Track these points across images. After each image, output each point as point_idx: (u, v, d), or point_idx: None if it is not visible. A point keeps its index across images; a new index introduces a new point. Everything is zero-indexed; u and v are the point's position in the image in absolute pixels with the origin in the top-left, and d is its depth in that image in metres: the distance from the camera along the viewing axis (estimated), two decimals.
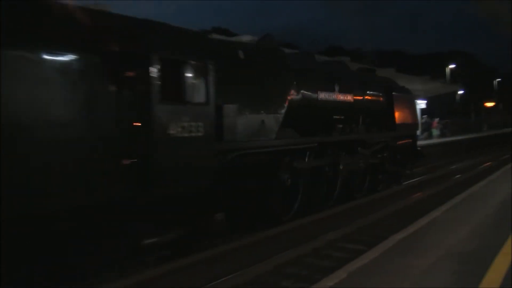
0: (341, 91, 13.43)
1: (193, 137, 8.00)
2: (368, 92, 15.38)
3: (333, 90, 13.11)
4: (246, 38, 19.01)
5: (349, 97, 13.90)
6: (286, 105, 11.02)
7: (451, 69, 55.52)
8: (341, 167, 12.87)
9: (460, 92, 58.86)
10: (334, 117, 13.37)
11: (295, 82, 11.51)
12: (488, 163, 24.33)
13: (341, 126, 13.49)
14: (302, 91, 11.75)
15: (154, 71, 7.35)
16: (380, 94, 16.20)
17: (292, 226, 10.49)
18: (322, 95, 12.60)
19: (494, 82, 71.39)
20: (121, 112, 7.13)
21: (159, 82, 7.42)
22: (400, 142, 16.86)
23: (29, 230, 6.16)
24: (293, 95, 11.40)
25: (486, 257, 6.15)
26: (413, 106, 19.55)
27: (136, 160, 7.24)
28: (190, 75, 8.17)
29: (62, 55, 6.48)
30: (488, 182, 13.43)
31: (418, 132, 23.61)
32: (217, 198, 9.20)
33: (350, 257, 7.50)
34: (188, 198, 8.34)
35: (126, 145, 7.17)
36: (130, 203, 7.14)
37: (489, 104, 57.29)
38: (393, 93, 16.63)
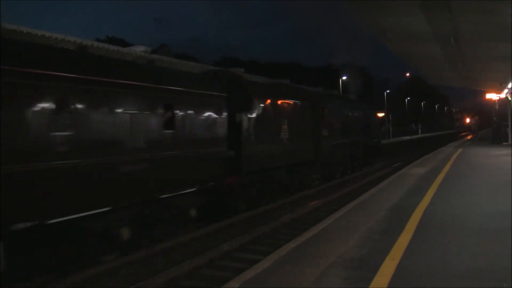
0: (353, 112, 25.51)
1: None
2: (361, 112, 26.88)
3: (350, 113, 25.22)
4: (139, 49, 18.54)
5: (355, 116, 25.80)
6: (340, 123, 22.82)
7: (343, 80, 58.12)
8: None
9: None
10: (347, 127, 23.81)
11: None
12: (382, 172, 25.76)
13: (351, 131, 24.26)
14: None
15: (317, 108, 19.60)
16: (364, 112, 27.50)
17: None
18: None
19: (385, 93, 75.91)
20: None
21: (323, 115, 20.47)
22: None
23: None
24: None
25: (375, 262, 6.35)
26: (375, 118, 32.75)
27: None
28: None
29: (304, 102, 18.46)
30: (376, 190, 14.04)
31: None
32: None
33: None
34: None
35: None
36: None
37: (380, 115, 61.00)
38: (368, 111, 28.91)
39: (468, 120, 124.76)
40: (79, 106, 8.37)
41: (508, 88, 30.21)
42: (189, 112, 11.50)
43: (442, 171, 18.09)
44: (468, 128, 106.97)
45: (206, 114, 12.20)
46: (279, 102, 16.24)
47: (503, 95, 34.62)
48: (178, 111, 11.00)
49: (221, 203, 13.31)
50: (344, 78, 57.79)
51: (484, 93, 41.67)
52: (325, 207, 15.06)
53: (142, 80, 10.08)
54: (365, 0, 13.96)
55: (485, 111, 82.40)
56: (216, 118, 12.59)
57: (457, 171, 18.20)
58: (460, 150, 32.31)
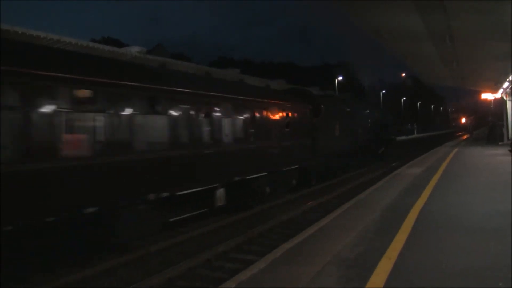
0: (376, 115, 32.13)
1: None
2: (381, 115, 33.72)
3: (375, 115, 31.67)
4: (135, 49, 18.57)
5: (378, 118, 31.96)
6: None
7: (339, 80, 58.21)
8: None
9: None
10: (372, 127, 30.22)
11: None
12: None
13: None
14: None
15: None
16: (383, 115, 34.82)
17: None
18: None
19: (380, 93, 76.15)
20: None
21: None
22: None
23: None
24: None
25: (371, 261, 6.34)
26: None
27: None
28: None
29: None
30: (372, 190, 14.05)
31: None
32: None
33: None
34: None
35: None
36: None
37: None
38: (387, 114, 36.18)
39: (464, 120, 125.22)
40: (255, 115, 14.91)
41: (503, 88, 30.32)
42: (296, 117, 18.04)
43: (438, 171, 18.13)
44: (463, 128, 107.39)
45: (302, 118, 18.85)
46: (334, 109, 22.89)
47: (498, 95, 34.75)
48: (290, 117, 17.52)
49: (304, 177, 18.99)
50: (340, 78, 57.87)
51: (479, 92, 41.84)
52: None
53: (280, 100, 17.49)
54: (359, 0, 13.97)
55: (480, 111, 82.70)
56: (306, 120, 19.24)
57: (453, 171, 18.24)
58: (456, 149, 32.42)
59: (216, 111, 12.68)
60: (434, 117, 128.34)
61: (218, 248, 9.94)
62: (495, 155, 25.03)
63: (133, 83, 9.85)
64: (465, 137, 66.37)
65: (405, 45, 21.10)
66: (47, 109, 7.81)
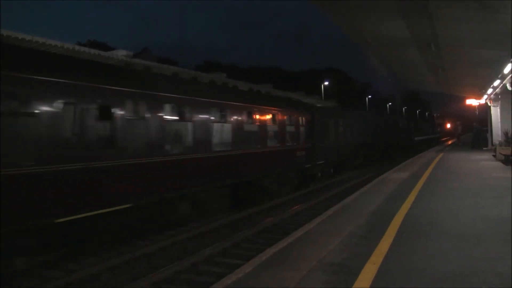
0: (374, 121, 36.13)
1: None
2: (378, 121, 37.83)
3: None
4: (121, 53, 18.53)
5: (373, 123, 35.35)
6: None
7: (326, 85, 58.45)
8: None
9: None
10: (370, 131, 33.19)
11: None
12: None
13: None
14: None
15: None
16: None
17: None
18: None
19: (366, 98, 76.65)
20: None
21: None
22: None
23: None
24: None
25: (356, 266, 6.38)
26: None
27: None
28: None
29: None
30: (360, 194, 14.13)
31: None
32: None
33: None
34: None
35: None
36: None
37: None
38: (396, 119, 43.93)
39: (449, 125, 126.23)
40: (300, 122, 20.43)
41: (487, 94, 30.69)
42: (306, 123, 21.35)
43: (423, 175, 18.27)
44: (449, 133, 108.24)
45: (307, 125, 21.28)
46: (330, 119, 25.19)
47: (483, 101, 35.14)
48: (302, 124, 20.80)
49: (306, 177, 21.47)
50: (326, 83, 58.10)
51: (464, 98, 42.28)
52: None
53: (296, 109, 20.95)
54: (343, 5, 14.06)
55: (466, 116, 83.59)
56: (308, 127, 21.41)
57: (438, 175, 18.40)
58: (441, 154, 32.71)
59: (262, 119, 16.39)
60: (419, 123, 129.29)
61: (205, 251, 9.93)
62: (480, 160, 25.31)
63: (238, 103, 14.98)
64: (450, 142, 66.93)
65: (391, 51, 21.29)
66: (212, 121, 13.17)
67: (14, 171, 7.58)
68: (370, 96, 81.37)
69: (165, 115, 11.34)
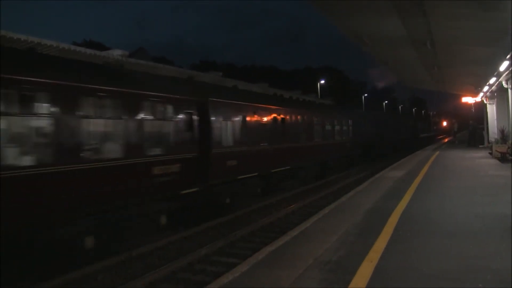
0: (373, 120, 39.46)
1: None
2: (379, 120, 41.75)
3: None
4: (117, 52, 18.48)
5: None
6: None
7: (322, 84, 58.41)
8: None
9: None
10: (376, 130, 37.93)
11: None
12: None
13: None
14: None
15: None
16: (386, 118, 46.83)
17: None
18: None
19: (363, 97, 76.70)
20: None
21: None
22: None
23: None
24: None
25: (353, 264, 6.38)
26: None
27: None
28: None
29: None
30: (355, 193, 14.14)
31: None
32: None
33: None
34: None
35: None
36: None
37: None
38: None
39: (445, 123, 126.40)
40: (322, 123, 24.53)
41: (483, 92, 30.72)
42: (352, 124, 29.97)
43: (419, 173, 18.30)
44: (445, 132, 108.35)
45: (353, 124, 29.41)
46: (326, 119, 25.76)
47: (478, 99, 35.17)
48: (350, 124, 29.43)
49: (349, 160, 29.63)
50: (322, 82, 58.06)
51: (460, 96, 42.31)
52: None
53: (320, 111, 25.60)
54: (338, 4, 14.05)
55: (461, 114, 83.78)
56: (354, 126, 29.51)
57: (434, 173, 18.43)
58: (437, 152, 32.76)
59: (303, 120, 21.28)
60: (416, 121, 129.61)
61: (201, 251, 9.93)
62: (476, 158, 25.35)
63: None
64: (446, 140, 67.03)
65: (387, 50, 21.29)
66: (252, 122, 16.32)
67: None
68: (366, 95, 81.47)
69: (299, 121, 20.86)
